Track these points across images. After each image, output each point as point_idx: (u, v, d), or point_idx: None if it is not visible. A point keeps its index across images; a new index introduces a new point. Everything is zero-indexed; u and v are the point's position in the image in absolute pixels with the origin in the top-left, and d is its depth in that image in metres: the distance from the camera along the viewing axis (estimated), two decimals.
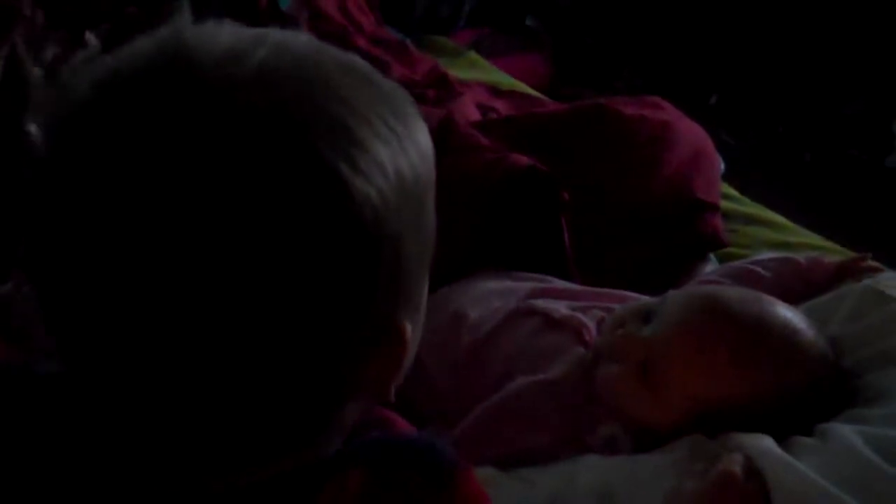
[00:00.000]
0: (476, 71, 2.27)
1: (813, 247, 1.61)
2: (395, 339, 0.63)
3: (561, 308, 1.25)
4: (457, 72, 2.12)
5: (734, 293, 1.14)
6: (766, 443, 0.98)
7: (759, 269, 1.32)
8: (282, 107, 0.56)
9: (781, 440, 0.99)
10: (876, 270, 1.29)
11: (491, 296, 1.31)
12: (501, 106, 1.95)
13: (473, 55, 2.39)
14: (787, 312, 1.11)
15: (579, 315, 1.23)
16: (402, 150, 0.60)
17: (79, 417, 0.64)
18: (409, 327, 0.63)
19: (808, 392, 1.07)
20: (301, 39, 0.61)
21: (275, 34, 0.60)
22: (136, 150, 0.55)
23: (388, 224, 0.58)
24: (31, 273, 0.60)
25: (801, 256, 1.36)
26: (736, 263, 1.39)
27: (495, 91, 2.07)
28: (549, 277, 1.37)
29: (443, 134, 1.55)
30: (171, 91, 0.56)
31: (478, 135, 1.59)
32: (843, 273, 1.30)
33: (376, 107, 0.60)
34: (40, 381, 0.67)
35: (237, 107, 0.55)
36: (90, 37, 1.70)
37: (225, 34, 0.59)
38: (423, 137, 0.63)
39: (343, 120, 0.57)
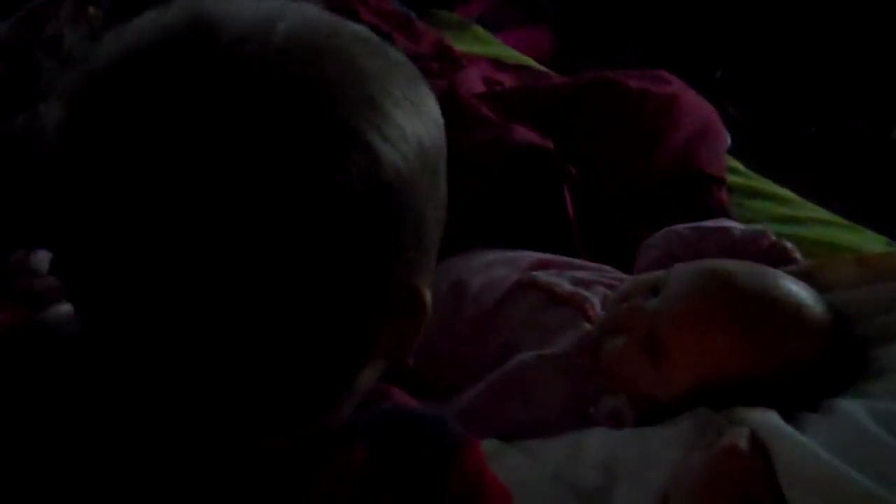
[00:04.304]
0: (480, 45, 2.25)
1: (818, 220, 1.60)
2: (416, 303, 0.63)
3: (564, 283, 1.25)
4: (461, 45, 2.11)
5: (740, 266, 1.14)
6: (771, 417, 0.98)
7: (682, 230, 1.33)
8: (307, 79, 0.57)
9: (787, 415, 0.99)
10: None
11: (493, 265, 1.31)
12: (506, 79, 1.94)
13: (478, 29, 2.38)
14: (792, 285, 1.11)
15: (583, 291, 1.23)
16: (419, 118, 0.61)
17: (100, 381, 0.65)
18: (427, 293, 0.64)
19: (813, 366, 1.07)
20: (315, 12, 0.62)
21: (292, 7, 0.61)
22: (157, 124, 0.55)
23: (412, 189, 0.59)
24: (52, 246, 0.61)
25: (740, 225, 1.36)
26: (675, 227, 1.37)
27: (500, 65, 2.06)
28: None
29: (445, 106, 1.54)
30: (193, 64, 0.56)
31: (481, 106, 1.59)
32: (776, 255, 1.29)
33: (395, 79, 0.61)
34: (63, 343, 0.68)
35: (262, 80, 0.56)
36: (93, 11, 1.70)
37: (245, 6, 0.59)
38: (434, 107, 0.65)
39: (368, 90, 0.58)
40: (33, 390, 0.66)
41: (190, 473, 0.62)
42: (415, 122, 0.61)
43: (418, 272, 0.63)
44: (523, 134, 1.51)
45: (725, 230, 1.35)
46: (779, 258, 1.28)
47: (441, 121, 0.65)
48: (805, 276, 1.18)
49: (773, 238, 1.32)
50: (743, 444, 0.94)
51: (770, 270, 1.14)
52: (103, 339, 0.61)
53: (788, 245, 1.32)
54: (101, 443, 0.63)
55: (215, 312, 0.56)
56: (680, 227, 1.37)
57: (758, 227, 1.37)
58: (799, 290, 1.10)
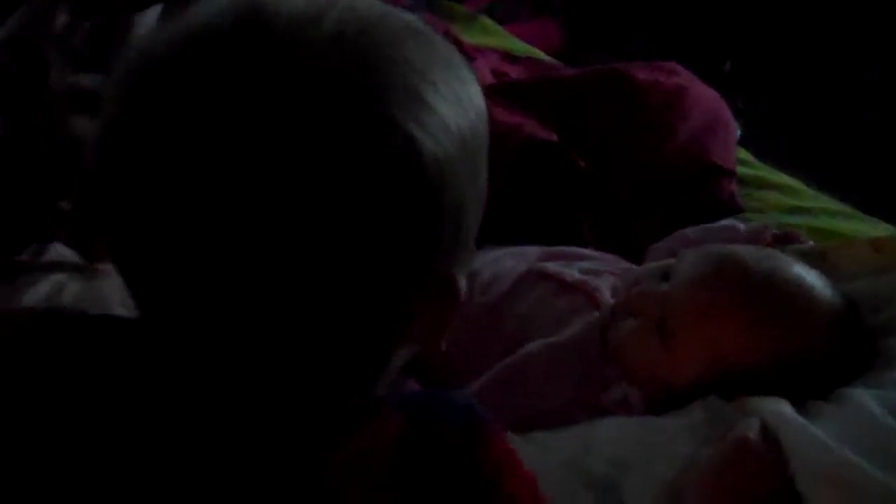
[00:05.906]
0: (489, 37, 2.25)
1: (828, 211, 1.60)
2: (450, 289, 0.66)
3: (573, 272, 1.25)
4: (470, 38, 2.10)
5: (749, 251, 1.14)
6: (783, 407, 0.98)
7: (689, 232, 1.35)
8: (355, 70, 0.59)
9: (798, 404, 0.99)
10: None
11: (503, 257, 1.31)
12: (515, 72, 1.94)
13: (486, 21, 2.38)
14: (801, 270, 1.10)
15: (592, 278, 1.23)
16: (463, 110, 0.63)
17: (142, 358, 0.66)
18: (462, 281, 0.66)
19: (823, 353, 1.06)
20: (367, 1, 0.64)
21: None
22: (212, 112, 0.57)
23: (452, 180, 0.61)
24: (104, 228, 0.62)
25: (743, 224, 1.37)
26: (684, 230, 1.40)
27: (509, 57, 2.06)
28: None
29: None
30: (248, 53, 0.58)
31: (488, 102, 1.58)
32: (781, 243, 1.29)
33: (440, 69, 0.63)
34: (99, 324, 0.70)
35: (312, 71, 0.58)
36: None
37: None
38: (478, 98, 0.66)
39: (411, 82, 0.60)
40: (68, 371, 0.67)
41: (224, 446, 0.64)
42: (456, 113, 0.62)
43: (455, 259, 0.65)
44: (531, 129, 1.51)
45: (731, 228, 1.36)
46: (787, 242, 1.28)
47: (485, 110, 0.67)
48: (819, 258, 1.18)
49: (774, 231, 1.33)
50: (754, 435, 0.94)
51: (781, 255, 1.13)
52: (158, 317, 0.64)
53: (799, 233, 1.32)
54: (143, 417, 0.65)
55: (262, 289, 0.59)
56: (687, 229, 1.38)
57: (759, 222, 1.38)
58: (810, 275, 1.10)
